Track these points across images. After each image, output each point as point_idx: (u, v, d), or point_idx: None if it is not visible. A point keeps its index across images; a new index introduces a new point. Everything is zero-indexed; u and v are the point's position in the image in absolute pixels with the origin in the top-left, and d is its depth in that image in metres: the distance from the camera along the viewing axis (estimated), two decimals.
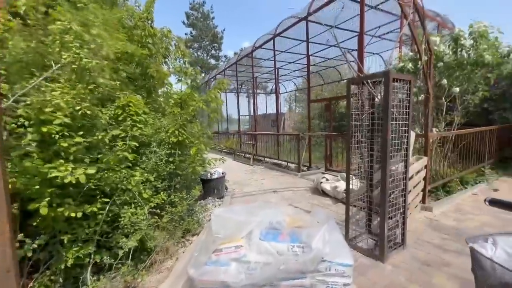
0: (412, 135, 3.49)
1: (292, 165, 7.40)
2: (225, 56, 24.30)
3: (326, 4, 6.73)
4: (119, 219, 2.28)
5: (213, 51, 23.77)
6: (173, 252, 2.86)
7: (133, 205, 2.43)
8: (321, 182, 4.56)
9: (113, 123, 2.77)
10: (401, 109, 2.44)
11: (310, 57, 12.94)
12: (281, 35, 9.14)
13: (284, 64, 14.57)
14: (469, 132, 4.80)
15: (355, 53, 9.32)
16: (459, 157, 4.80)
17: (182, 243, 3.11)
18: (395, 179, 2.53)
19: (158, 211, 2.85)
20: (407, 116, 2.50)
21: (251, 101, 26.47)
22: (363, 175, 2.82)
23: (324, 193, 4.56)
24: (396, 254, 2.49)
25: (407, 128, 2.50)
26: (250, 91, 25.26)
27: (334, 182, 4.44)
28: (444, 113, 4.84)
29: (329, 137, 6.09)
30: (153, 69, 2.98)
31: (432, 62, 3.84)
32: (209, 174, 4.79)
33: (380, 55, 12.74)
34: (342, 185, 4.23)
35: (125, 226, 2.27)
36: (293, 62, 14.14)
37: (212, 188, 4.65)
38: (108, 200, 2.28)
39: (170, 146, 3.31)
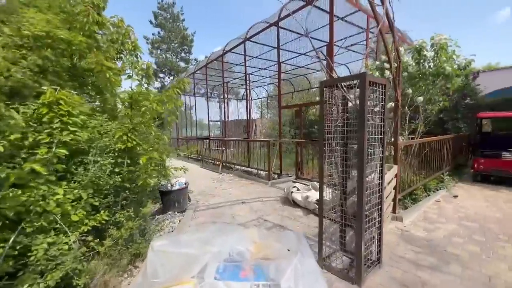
0: None
1: (263, 173, 7.11)
2: (195, 59, 23.57)
3: (298, 9, 6.69)
4: (30, 253, 1.71)
5: (183, 54, 22.88)
6: (115, 286, 2.32)
7: (53, 232, 1.87)
8: (292, 192, 4.31)
9: (36, 124, 2.18)
10: (376, 115, 2.27)
11: (281, 64, 13.07)
12: (251, 40, 8.95)
13: (256, 70, 14.47)
14: (431, 140, 4.97)
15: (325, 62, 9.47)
16: (423, 165, 4.94)
17: (128, 271, 2.56)
18: (371, 191, 2.33)
19: (94, 236, 2.29)
20: (383, 123, 2.33)
21: (222, 106, 26.00)
22: (337, 185, 2.59)
23: (295, 203, 4.30)
24: (373, 274, 2.28)
25: (382, 136, 2.34)
26: (222, 96, 24.83)
27: (305, 192, 4.22)
28: (407, 122, 4.97)
29: (300, 144, 5.93)
30: (91, 60, 2.44)
31: (401, 70, 3.87)
32: (169, 185, 4.25)
33: (346, 66, 13.26)
34: (313, 195, 4.02)
35: (39, 263, 1.71)
36: (264, 69, 14.10)
37: (172, 201, 4.12)
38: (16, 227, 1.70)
39: (116, 154, 2.77)
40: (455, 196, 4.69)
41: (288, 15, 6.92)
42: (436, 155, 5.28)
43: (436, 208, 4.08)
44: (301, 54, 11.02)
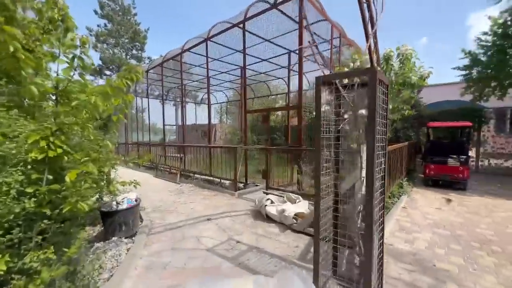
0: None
1: (227, 182, 6.51)
2: (149, 58, 21.64)
3: (264, 11, 6.41)
4: None
5: (134, 51, 20.76)
6: None
7: None
8: (265, 205, 3.84)
9: None
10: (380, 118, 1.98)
11: (244, 68, 12.75)
12: (213, 40, 8.39)
13: (216, 73, 13.84)
14: (397, 147, 5.12)
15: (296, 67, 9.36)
16: (389, 171, 5.05)
17: None
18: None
19: None
20: (385, 128, 2.06)
21: (179, 110, 24.46)
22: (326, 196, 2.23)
23: (268, 218, 3.85)
24: None
25: (385, 143, 2.06)
26: (178, 99, 23.35)
27: (280, 205, 3.80)
28: None
29: (269, 151, 5.55)
30: None
31: None
32: (114, 203, 3.36)
33: (305, 75, 13.61)
34: (290, 208, 3.63)
35: None
36: (225, 72, 13.59)
37: (118, 223, 3.24)
38: None
39: (30, 167, 1.92)
40: (449, 200, 4.91)
41: (255, 15, 6.59)
42: (398, 162, 5.49)
43: (406, 215, 4.10)
44: (264, 60, 10.90)
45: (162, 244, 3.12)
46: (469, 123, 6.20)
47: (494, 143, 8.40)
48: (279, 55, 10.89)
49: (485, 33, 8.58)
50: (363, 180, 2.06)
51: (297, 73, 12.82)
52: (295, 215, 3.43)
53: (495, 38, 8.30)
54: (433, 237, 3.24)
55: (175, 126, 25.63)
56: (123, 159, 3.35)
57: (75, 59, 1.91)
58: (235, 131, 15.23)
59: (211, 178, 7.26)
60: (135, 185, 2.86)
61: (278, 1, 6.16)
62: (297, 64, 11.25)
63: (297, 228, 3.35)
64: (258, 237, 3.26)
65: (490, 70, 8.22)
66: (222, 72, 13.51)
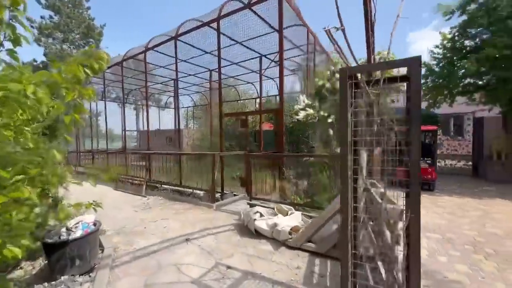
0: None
1: (201, 193, 5.89)
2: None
3: (237, 11, 6.07)
4: None
5: (87, 48, 18.55)
6: None
7: None
8: (255, 220, 3.40)
9: None
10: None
11: (212, 72, 12.17)
12: (182, 39, 7.78)
13: (182, 76, 13.03)
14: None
15: (276, 69, 9.12)
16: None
17: None
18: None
19: None
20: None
21: (141, 114, 22.60)
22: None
23: (257, 233, 3.41)
24: None
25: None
26: (139, 103, 21.61)
27: (271, 218, 3.40)
28: None
29: (251, 158, 5.14)
30: None
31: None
32: (63, 231, 2.59)
33: (274, 80, 13.59)
34: (283, 222, 3.25)
35: None
36: (193, 75, 12.89)
37: (69, 257, 2.49)
38: None
39: None
40: None
41: (230, 13, 6.21)
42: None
43: None
44: (234, 63, 10.53)
45: (131, 279, 2.46)
46: (434, 127, 6.65)
47: (449, 145, 9.24)
48: (250, 59, 10.64)
49: (436, 46, 9.50)
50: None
51: (267, 78, 12.70)
52: (291, 229, 3.06)
53: (445, 51, 9.22)
54: (429, 242, 3.17)
55: (135, 132, 23.65)
56: (75, 170, 2.62)
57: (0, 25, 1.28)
58: (205, 137, 14.45)
59: (182, 188, 6.55)
60: (95, 208, 2.20)
61: (252, 1, 5.89)
62: (268, 69, 11.10)
63: (292, 244, 2.98)
64: (251, 259, 2.80)
65: (442, 80, 9.08)
66: (190, 75, 12.78)
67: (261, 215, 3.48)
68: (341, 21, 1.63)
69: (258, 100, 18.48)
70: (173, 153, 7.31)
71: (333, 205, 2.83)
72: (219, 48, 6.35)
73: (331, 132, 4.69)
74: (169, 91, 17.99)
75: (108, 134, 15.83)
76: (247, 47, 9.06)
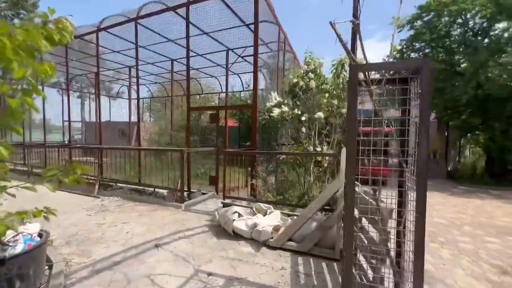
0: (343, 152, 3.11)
1: (164, 192, 5.43)
2: None
3: None
4: None
5: (16, 21, 15.41)
6: None
7: None
8: (234, 220, 3.23)
9: None
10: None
11: (174, 62, 11.37)
12: (143, 24, 7.05)
13: (141, 63, 11.90)
14: None
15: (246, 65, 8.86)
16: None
17: None
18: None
19: None
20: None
21: (87, 103, 20.00)
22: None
23: (235, 234, 3.25)
24: None
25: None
26: (85, 90, 19.09)
27: (250, 218, 3.27)
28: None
29: (224, 155, 4.88)
30: None
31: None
32: None
33: (239, 76, 13.44)
34: (263, 221, 3.16)
35: None
36: (152, 64, 11.90)
37: (6, 279, 1.96)
38: None
39: None
40: None
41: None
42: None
43: None
44: (199, 55, 10.01)
45: None
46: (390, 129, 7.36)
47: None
48: (217, 52, 10.26)
49: (387, 56, 10.53)
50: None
51: (232, 73, 12.39)
52: (273, 229, 2.99)
53: (395, 60, 10.28)
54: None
55: (80, 123, 20.86)
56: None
57: None
58: (164, 131, 13.49)
59: (142, 187, 5.96)
60: (46, 215, 1.77)
61: None
62: (234, 64, 10.84)
63: (274, 244, 2.91)
64: (232, 262, 2.63)
65: None
66: (149, 63, 11.76)
67: (240, 215, 3.32)
68: (357, 15, 1.57)
69: (221, 96, 18.05)
70: (134, 148, 6.58)
71: (315, 203, 2.84)
72: (187, 36, 5.91)
73: (303, 130, 4.76)
74: (122, 79, 16.26)
75: (45, 125, 13.56)
76: (215, 39, 8.67)
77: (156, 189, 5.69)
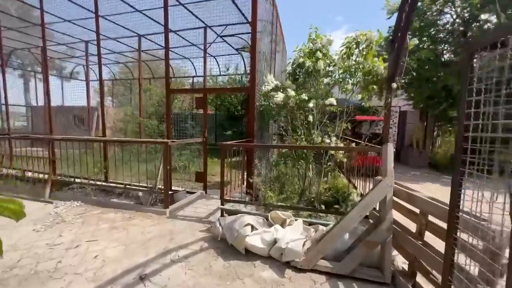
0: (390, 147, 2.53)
1: (139, 192, 4.43)
2: None
3: None
4: None
5: None
6: None
7: None
8: (247, 236, 2.48)
9: None
10: None
11: (142, 38, 9.78)
12: None
13: (102, 38, 10.04)
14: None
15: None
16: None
17: None
18: None
19: None
20: None
21: (32, 84, 16.98)
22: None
23: (247, 252, 2.53)
24: None
25: None
26: (29, 68, 16.12)
27: (267, 231, 2.55)
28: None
29: (223, 149, 3.97)
30: None
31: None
32: None
33: (215, 59, 12.26)
34: (285, 235, 2.47)
35: None
36: (115, 39, 10.12)
37: None
38: None
39: None
40: None
41: None
42: None
43: None
44: (174, 31, 8.65)
45: None
46: (381, 118, 7.12)
47: None
48: (192, 29, 9.00)
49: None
50: None
51: (210, 56, 11.16)
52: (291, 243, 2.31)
53: (380, 49, 10.09)
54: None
55: (25, 108, 17.75)
56: None
57: None
58: (132, 119, 11.86)
59: (109, 185, 4.85)
60: None
61: None
62: (213, 44, 9.67)
63: (304, 265, 2.26)
64: None
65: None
66: (110, 38, 9.98)
67: (253, 227, 2.59)
68: None
69: (196, 80, 16.56)
70: (101, 139, 5.28)
71: (358, 211, 2.24)
72: (166, 6, 4.74)
73: (310, 118, 4.11)
74: (78, 57, 13.89)
75: None
76: (192, 13, 7.45)
77: (128, 188, 4.65)
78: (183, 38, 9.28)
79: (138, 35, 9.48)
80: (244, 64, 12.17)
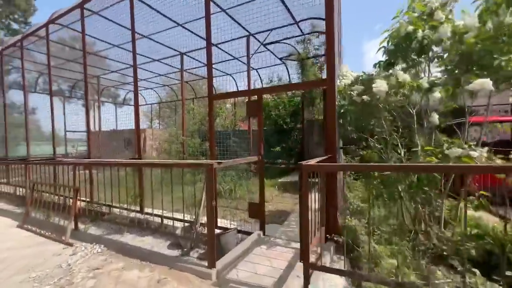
0: None
1: (178, 226, 3.28)
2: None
3: None
4: None
5: (15, 25, 13.94)
6: None
7: None
8: None
9: None
10: None
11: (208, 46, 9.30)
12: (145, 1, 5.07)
13: (147, 61, 10.02)
14: None
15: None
16: None
17: None
18: None
19: None
20: None
21: (92, 111, 18.46)
22: None
23: None
24: None
25: None
26: (90, 98, 17.55)
27: None
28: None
29: (308, 170, 2.64)
30: None
31: None
32: None
33: (257, 71, 11.25)
34: None
35: None
36: (158, 60, 9.93)
37: None
38: None
39: None
40: None
41: None
42: None
43: None
44: (214, 44, 7.95)
45: None
46: None
47: None
48: (236, 39, 8.18)
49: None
50: None
51: (252, 69, 10.16)
52: None
53: None
54: None
55: (86, 133, 19.32)
56: None
57: None
58: (175, 139, 11.38)
59: (143, 216, 3.86)
60: None
61: None
62: (254, 57, 8.60)
63: None
64: None
65: None
66: (154, 60, 9.83)
67: None
68: None
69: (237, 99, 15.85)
70: (131, 163, 4.40)
71: None
72: (208, 14, 3.76)
73: (435, 118, 2.49)
74: (128, 83, 14.50)
75: (51, 136, 11.79)
76: (233, 19, 6.60)
77: (165, 219, 3.58)
78: (223, 50, 8.55)
79: (180, 53, 9.11)
80: (289, 74, 10.97)
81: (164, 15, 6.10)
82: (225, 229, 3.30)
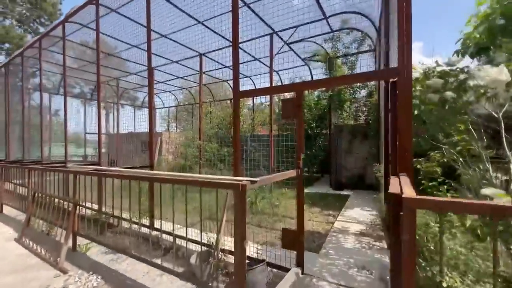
0: None
1: (193, 248, 2.59)
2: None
3: None
4: None
5: (40, 27, 14.34)
6: None
7: None
8: None
9: None
10: None
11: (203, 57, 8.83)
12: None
13: (165, 62, 9.62)
14: None
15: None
16: None
17: None
18: None
19: None
20: None
21: (111, 114, 18.61)
22: None
23: None
24: None
25: None
26: (110, 100, 17.69)
27: None
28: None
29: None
30: None
31: None
32: None
33: (278, 74, 10.51)
34: None
35: None
36: (177, 62, 9.50)
37: None
38: None
39: None
40: None
41: None
42: None
43: None
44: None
45: None
46: None
47: None
48: (259, 37, 7.54)
49: None
50: None
51: (277, 70, 9.49)
52: None
53: None
54: None
55: (105, 136, 19.51)
56: None
57: None
58: (191, 142, 10.85)
59: (154, 233, 3.22)
60: None
61: None
62: (275, 59, 7.91)
63: None
64: None
65: None
66: (173, 61, 9.41)
67: None
68: None
69: (259, 100, 15.11)
70: (137, 176, 3.77)
71: None
72: (236, 7, 3.09)
73: None
74: (147, 86, 14.25)
75: (73, 139, 11.73)
76: (257, 15, 5.98)
77: (179, 241, 2.91)
78: (244, 51, 7.96)
79: (199, 53, 8.63)
80: (312, 76, 10.16)
81: (185, 12, 5.61)
82: (248, 259, 2.56)
